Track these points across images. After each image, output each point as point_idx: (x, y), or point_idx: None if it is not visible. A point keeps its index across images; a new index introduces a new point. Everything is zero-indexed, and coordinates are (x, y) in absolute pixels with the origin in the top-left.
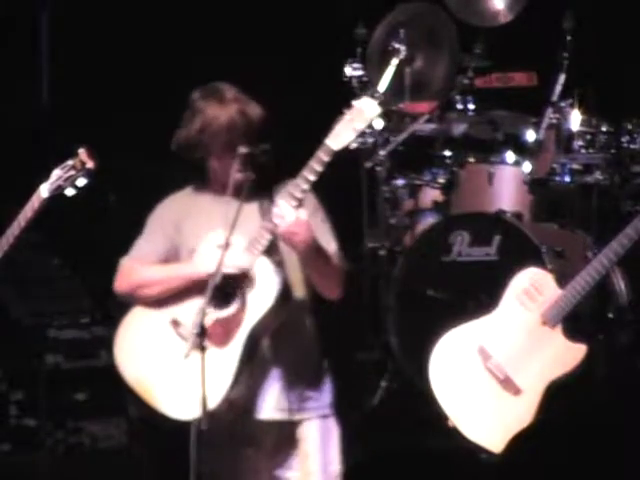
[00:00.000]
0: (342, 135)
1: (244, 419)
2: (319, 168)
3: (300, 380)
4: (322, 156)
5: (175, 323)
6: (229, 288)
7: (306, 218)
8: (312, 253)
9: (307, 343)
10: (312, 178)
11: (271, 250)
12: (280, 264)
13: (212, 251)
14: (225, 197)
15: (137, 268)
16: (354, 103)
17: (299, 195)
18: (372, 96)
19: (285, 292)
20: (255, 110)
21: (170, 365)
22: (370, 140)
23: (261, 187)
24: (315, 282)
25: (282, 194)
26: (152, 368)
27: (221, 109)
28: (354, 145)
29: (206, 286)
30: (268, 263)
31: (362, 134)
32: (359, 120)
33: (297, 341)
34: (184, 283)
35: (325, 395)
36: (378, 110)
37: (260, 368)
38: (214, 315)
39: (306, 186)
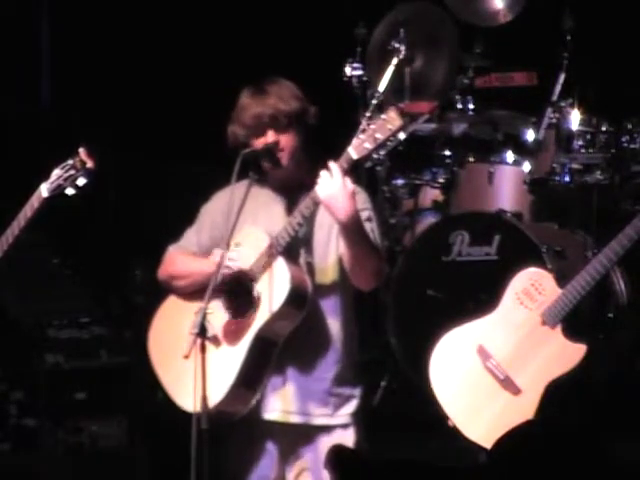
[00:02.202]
0: (364, 144)
1: (255, 417)
2: None
3: (319, 385)
4: (342, 163)
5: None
6: (247, 287)
7: (352, 187)
8: (353, 226)
9: (331, 349)
10: None
11: (302, 250)
12: (310, 266)
13: (239, 248)
14: (277, 193)
15: (176, 259)
16: (381, 114)
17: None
18: (398, 108)
19: (300, 294)
20: (290, 102)
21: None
22: None
23: (295, 188)
24: (351, 266)
25: (305, 202)
26: (172, 356)
27: (250, 100)
28: (375, 156)
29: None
30: (284, 263)
31: (384, 145)
32: (381, 131)
33: (319, 346)
34: (205, 279)
35: (350, 404)
36: (401, 123)
37: (276, 369)
38: (230, 317)
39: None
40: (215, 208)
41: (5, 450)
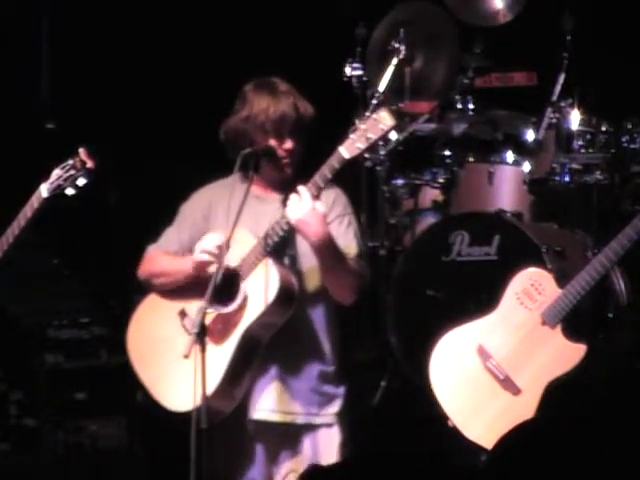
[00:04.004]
0: (355, 144)
1: (242, 418)
2: (329, 175)
3: (304, 384)
4: (334, 163)
5: (182, 314)
6: (232, 284)
7: (322, 211)
8: (326, 249)
9: (316, 347)
10: (322, 184)
11: (286, 246)
12: (294, 260)
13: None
14: (263, 193)
15: (156, 257)
16: (372, 114)
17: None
18: (390, 108)
19: (288, 293)
20: (306, 107)
21: (170, 355)
22: None
23: (286, 187)
24: (328, 284)
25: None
26: (153, 356)
27: (271, 101)
28: (367, 155)
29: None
30: (272, 263)
31: (376, 145)
32: (373, 131)
33: (304, 345)
34: (186, 278)
35: (334, 403)
36: (393, 122)
37: (261, 368)
38: (216, 311)
39: (316, 192)
40: (195, 209)
41: (5, 450)
